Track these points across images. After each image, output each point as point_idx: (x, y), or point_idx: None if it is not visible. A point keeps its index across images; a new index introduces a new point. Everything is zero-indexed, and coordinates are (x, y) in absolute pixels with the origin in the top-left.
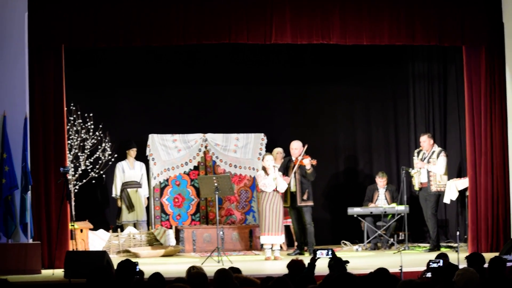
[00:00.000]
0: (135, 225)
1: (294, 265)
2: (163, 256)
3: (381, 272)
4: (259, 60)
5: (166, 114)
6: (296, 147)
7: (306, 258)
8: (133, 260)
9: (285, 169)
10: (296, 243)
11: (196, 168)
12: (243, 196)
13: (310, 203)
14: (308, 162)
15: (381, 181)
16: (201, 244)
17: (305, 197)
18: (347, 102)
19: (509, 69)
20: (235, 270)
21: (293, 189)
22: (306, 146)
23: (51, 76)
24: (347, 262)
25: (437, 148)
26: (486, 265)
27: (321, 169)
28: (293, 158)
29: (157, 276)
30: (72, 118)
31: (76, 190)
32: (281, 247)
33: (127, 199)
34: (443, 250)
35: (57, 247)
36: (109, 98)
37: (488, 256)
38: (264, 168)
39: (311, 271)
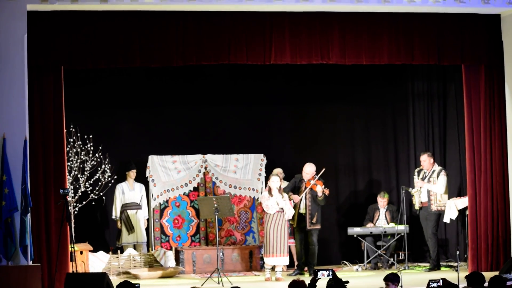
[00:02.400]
0: (135, 247)
1: (295, 285)
2: (163, 277)
3: None
4: (258, 80)
5: (166, 135)
6: (308, 172)
7: (306, 279)
8: (133, 281)
9: (296, 188)
10: (296, 263)
11: (195, 189)
12: (243, 217)
13: (318, 227)
14: (320, 190)
15: (382, 201)
16: (201, 265)
17: (314, 220)
18: (347, 121)
19: (509, 88)
20: None
21: (302, 211)
22: (323, 170)
23: (51, 98)
24: (347, 282)
25: (437, 167)
26: (486, 284)
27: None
28: (305, 180)
29: None
30: (71, 140)
31: (76, 212)
32: (282, 268)
33: (127, 221)
34: (443, 269)
35: (57, 269)
36: (108, 119)
37: (488, 275)
38: (269, 189)
39: None
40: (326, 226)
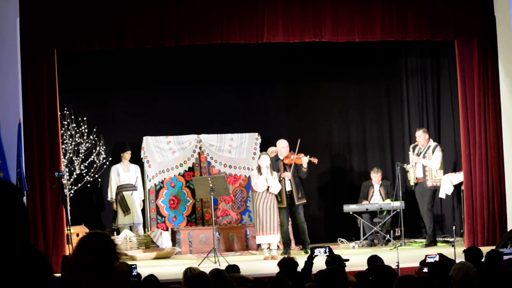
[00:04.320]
0: (131, 228)
1: (285, 263)
2: (160, 258)
3: (379, 268)
4: (252, 59)
5: (160, 116)
6: (285, 145)
7: (301, 257)
8: (130, 263)
9: (277, 170)
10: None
11: (191, 169)
12: (238, 196)
13: (304, 201)
14: (306, 161)
15: (375, 176)
16: (198, 245)
17: (300, 195)
18: (341, 98)
19: (502, 62)
20: (234, 268)
21: (289, 188)
22: (299, 141)
23: (44, 81)
24: (347, 260)
25: (432, 143)
26: (483, 259)
27: (315, 166)
28: (281, 157)
29: (151, 278)
30: (66, 123)
31: (71, 195)
32: (278, 246)
33: (123, 202)
34: (439, 245)
35: (54, 252)
36: (102, 101)
37: (484, 250)
38: (259, 167)
39: (308, 269)
40: (321, 203)
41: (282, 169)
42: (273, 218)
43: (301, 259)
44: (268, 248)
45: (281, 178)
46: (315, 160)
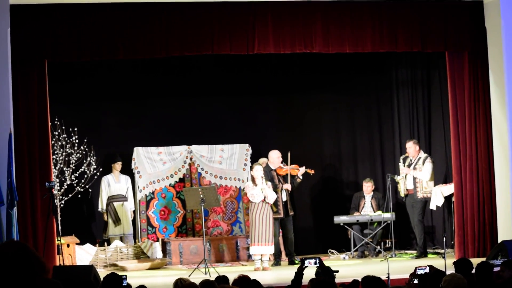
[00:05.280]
0: (121, 239)
1: (242, 282)
2: (150, 269)
3: (369, 279)
4: (243, 70)
5: (151, 127)
6: (278, 156)
7: (289, 268)
8: (120, 273)
9: (272, 180)
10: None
11: (181, 180)
12: (229, 207)
13: (293, 213)
14: (302, 172)
15: (367, 186)
16: (188, 256)
17: (290, 206)
18: (332, 110)
19: (493, 74)
20: (224, 280)
21: (285, 198)
22: (289, 154)
23: (35, 91)
24: (337, 271)
25: (423, 154)
26: (473, 271)
27: (306, 177)
28: (273, 167)
29: None
30: (56, 133)
31: (62, 205)
32: (269, 258)
33: (113, 213)
34: (430, 256)
35: None
36: (93, 112)
37: (475, 261)
38: (253, 178)
39: (298, 280)
40: (311, 214)
41: (276, 180)
42: (269, 229)
43: (288, 271)
44: (260, 259)
45: (282, 190)
46: (311, 171)
